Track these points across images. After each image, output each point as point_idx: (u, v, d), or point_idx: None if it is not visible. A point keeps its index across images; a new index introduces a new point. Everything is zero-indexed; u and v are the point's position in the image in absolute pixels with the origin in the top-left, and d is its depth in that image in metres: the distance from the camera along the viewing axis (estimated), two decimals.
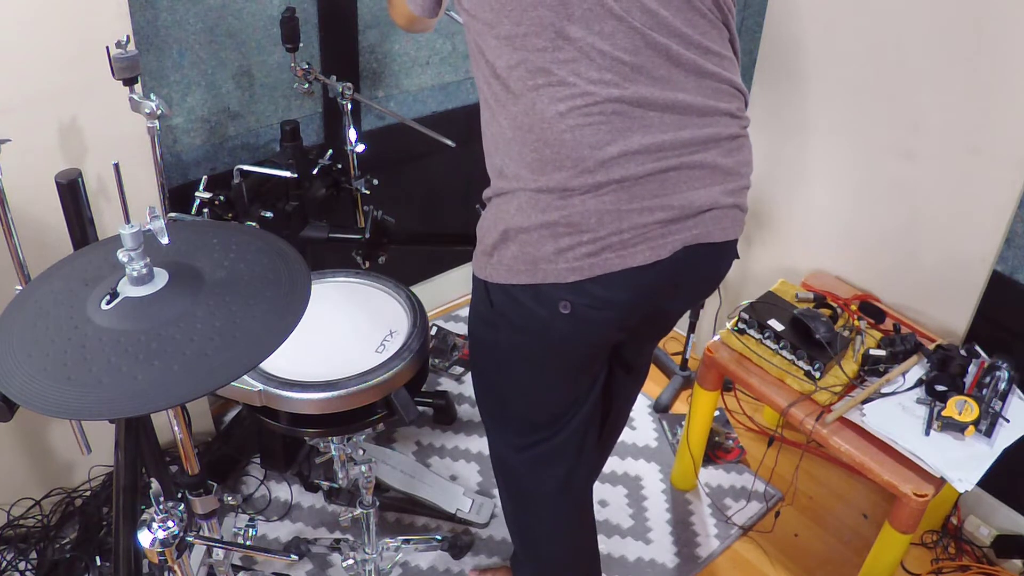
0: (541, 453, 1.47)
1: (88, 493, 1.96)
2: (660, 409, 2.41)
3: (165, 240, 0.97)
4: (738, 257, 1.32)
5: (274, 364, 1.33)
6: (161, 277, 0.96)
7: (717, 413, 2.27)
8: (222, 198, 1.70)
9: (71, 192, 1.26)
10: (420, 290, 2.24)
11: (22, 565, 1.81)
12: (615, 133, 1.12)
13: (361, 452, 1.59)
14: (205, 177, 1.71)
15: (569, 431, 1.44)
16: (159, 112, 1.46)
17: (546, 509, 1.55)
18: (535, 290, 1.21)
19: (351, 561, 1.79)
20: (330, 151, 1.98)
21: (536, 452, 1.47)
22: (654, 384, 2.50)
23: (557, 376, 1.38)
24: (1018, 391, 1.72)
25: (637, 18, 1.12)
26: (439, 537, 1.93)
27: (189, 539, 1.10)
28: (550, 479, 1.50)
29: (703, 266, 1.27)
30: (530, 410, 1.44)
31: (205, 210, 1.69)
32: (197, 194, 1.68)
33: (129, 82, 1.44)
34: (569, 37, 1.10)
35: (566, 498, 1.54)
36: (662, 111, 1.15)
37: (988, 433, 1.61)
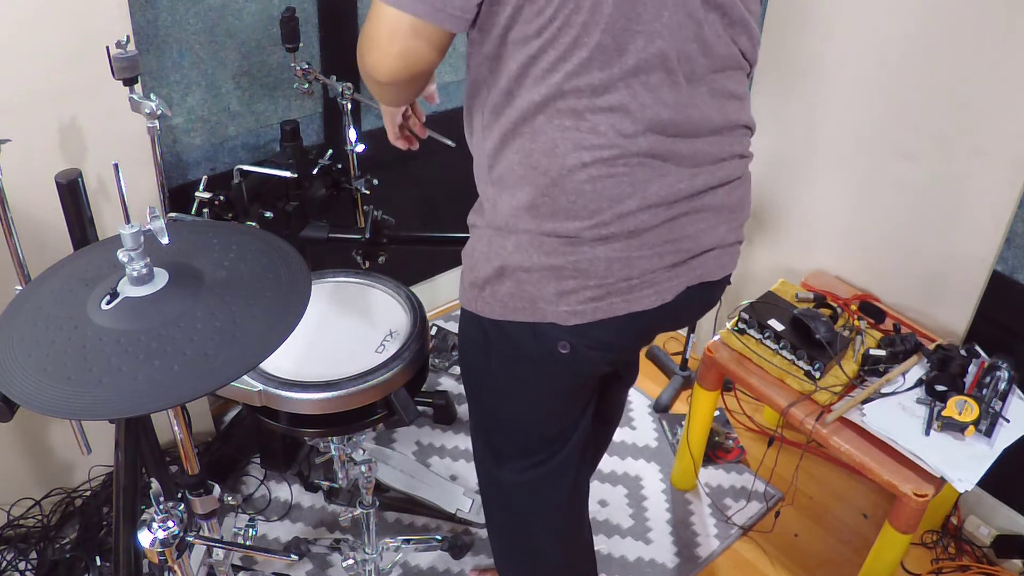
0: (539, 475, 1.43)
1: (88, 493, 1.96)
2: (660, 409, 2.41)
3: (165, 240, 0.96)
4: (729, 283, 1.31)
5: (274, 364, 1.33)
6: (161, 277, 0.96)
7: (717, 413, 2.27)
8: (222, 198, 1.70)
9: (71, 192, 1.26)
10: (420, 290, 2.24)
11: (22, 565, 1.81)
12: (635, 186, 1.08)
13: (361, 452, 1.59)
14: (205, 177, 1.71)
15: (567, 451, 1.41)
16: (159, 112, 1.46)
17: (543, 526, 1.52)
18: (532, 328, 1.17)
19: (351, 561, 1.79)
20: (330, 151, 1.98)
21: (534, 474, 1.43)
22: (654, 384, 2.50)
23: (552, 403, 1.35)
24: (1018, 391, 1.71)
25: (683, 70, 1.06)
26: (439, 537, 1.93)
27: (189, 539, 1.10)
28: (548, 500, 1.47)
29: (702, 301, 1.26)
30: (526, 434, 1.40)
31: (205, 210, 1.69)
32: (197, 194, 1.68)
33: (129, 82, 1.44)
34: (614, 85, 1.02)
35: (563, 515, 1.52)
36: (680, 162, 1.11)
37: (988, 433, 1.61)
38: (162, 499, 1.08)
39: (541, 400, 1.33)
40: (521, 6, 1.00)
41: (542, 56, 1.02)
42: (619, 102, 1.03)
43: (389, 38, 1.01)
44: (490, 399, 1.39)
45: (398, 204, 2.13)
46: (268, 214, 1.78)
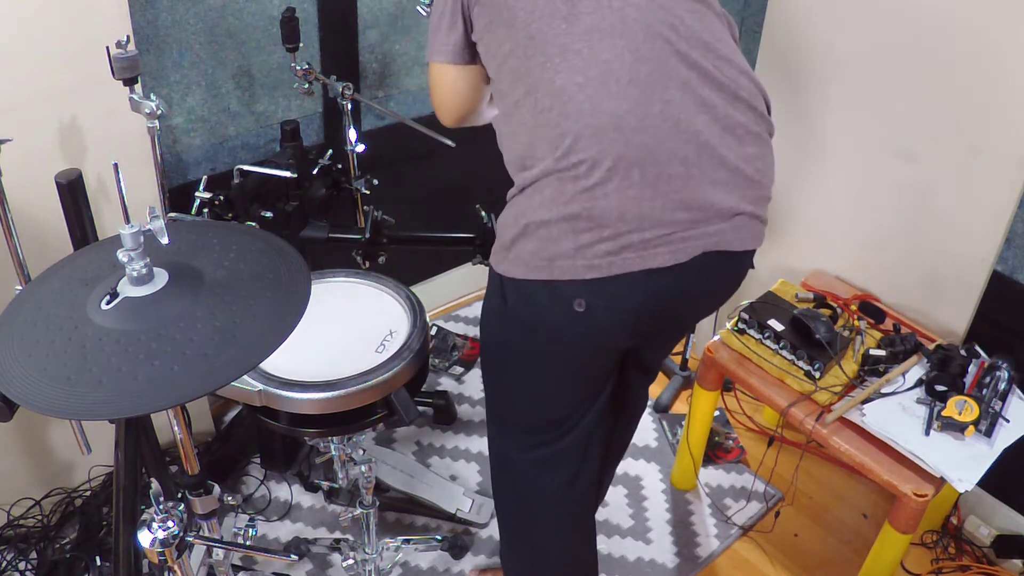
0: (545, 455, 1.46)
1: (88, 493, 1.96)
2: (660, 409, 2.41)
3: (165, 240, 0.96)
4: (753, 267, 1.32)
5: (274, 364, 1.33)
6: (161, 277, 0.96)
7: (717, 413, 2.27)
8: (222, 198, 1.70)
9: (71, 192, 1.26)
10: (420, 290, 2.23)
11: (22, 565, 1.81)
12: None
13: (361, 452, 1.59)
14: (205, 177, 1.71)
15: (574, 435, 1.43)
16: (159, 112, 1.46)
17: (547, 513, 1.54)
18: (551, 287, 1.20)
19: (351, 561, 1.79)
20: (330, 151, 1.98)
21: (540, 454, 1.46)
22: (654, 384, 2.49)
23: (565, 378, 1.37)
24: (1018, 391, 1.71)
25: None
26: (439, 537, 1.93)
27: (189, 539, 1.10)
28: (553, 483, 1.49)
29: (720, 273, 1.27)
30: (536, 411, 1.43)
31: (205, 210, 1.69)
32: (197, 194, 1.68)
33: (129, 82, 1.44)
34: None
35: (568, 503, 1.53)
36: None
37: (988, 433, 1.61)
38: (162, 499, 1.08)
39: (553, 375, 1.36)
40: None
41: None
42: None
43: (434, 89, 1.36)
44: (502, 371, 1.43)
45: (398, 204, 2.13)
46: (268, 214, 1.78)
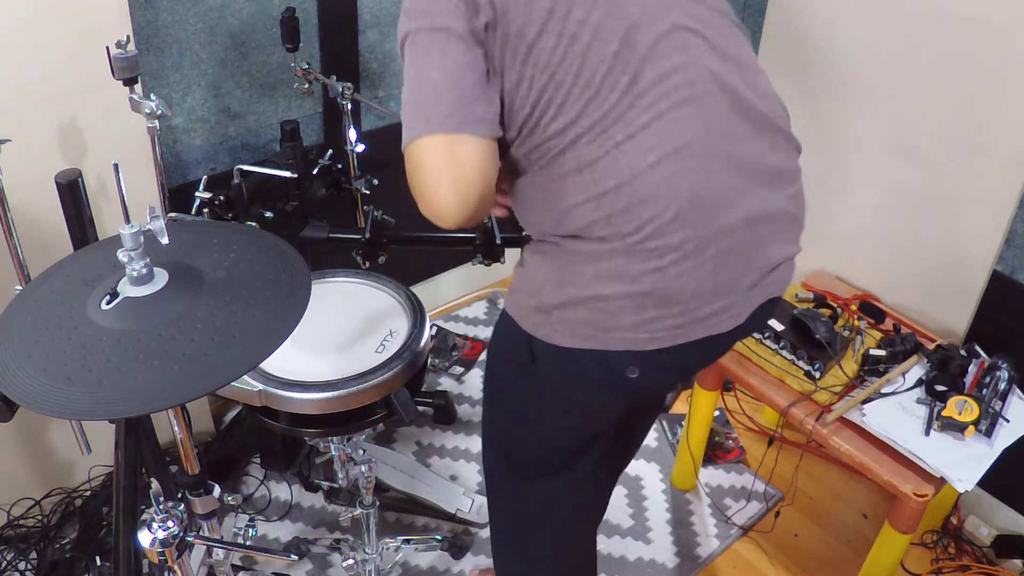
0: (551, 488, 1.39)
1: (88, 493, 1.96)
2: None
3: (165, 240, 0.96)
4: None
5: (274, 364, 1.33)
6: (161, 277, 0.96)
7: (717, 413, 2.27)
8: (222, 198, 1.70)
9: (71, 192, 1.26)
10: (420, 290, 2.24)
11: (22, 565, 1.81)
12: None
13: (361, 452, 1.59)
14: (205, 177, 1.70)
15: (583, 466, 1.36)
16: (159, 112, 1.46)
17: (549, 541, 1.48)
18: (602, 356, 1.12)
19: (351, 561, 1.79)
20: (330, 151, 1.98)
21: (545, 487, 1.39)
22: None
23: (588, 422, 1.31)
24: (1018, 391, 1.71)
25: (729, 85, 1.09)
26: (439, 537, 1.93)
27: (189, 539, 1.10)
28: (556, 513, 1.43)
29: (765, 316, 1.23)
30: (546, 447, 1.36)
31: (205, 210, 1.69)
32: (197, 194, 1.68)
33: (129, 82, 1.44)
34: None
35: (571, 533, 1.49)
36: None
37: (988, 433, 1.61)
38: (162, 499, 1.07)
39: (574, 417, 1.29)
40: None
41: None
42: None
43: (446, 175, 0.97)
44: (514, 413, 1.35)
45: (398, 204, 2.12)
46: (268, 214, 1.78)
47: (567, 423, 1.31)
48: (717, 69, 1.08)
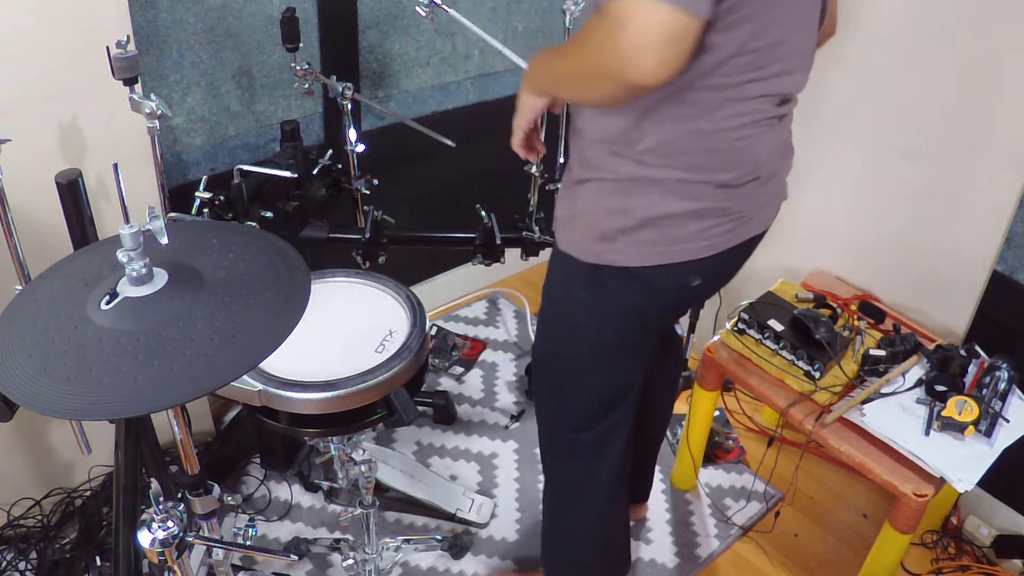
0: (607, 427, 1.51)
1: (88, 493, 1.96)
2: None
3: (165, 240, 0.96)
4: None
5: (274, 364, 1.33)
6: (161, 277, 0.96)
7: (717, 413, 2.27)
8: (222, 198, 1.70)
9: (71, 192, 1.26)
10: (420, 290, 2.24)
11: (22, 565, 1.81)
12: (770, 142, 1.23)
13: (361, 452, 1.59)
14: (205, 177, 1.70)
15: (631, 397, 1.50)
16: (159, 112, 1.46)
17: (600, 499, 1.59)
18: (669, 268, 1.24)
19: (351, 561, 1.79)
20: (330, 151, 1.98)
21: (603, 427, 1.51)
22: None
23: (645, 347, 1.45)
24: (1018, 391, 1.71)
25: (807, 29, 1.19)
26: (439, 537, 1.94)
27: (189, 539, 1.10)
28: (611, 455, 1.54)
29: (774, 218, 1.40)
30: (606, 385, 1.48)
31: (205, 210, 1.69)
32: (197, 194, 1.68)
33: (129, 82, 1.44)
34: (768, 65, 1.13)
35: (620, 478, 1.59)
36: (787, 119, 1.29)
37: (988, 433, 1.61)
38: (162, 499, 1.07)
39: (634, 349, 1.44)
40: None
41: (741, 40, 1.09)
42: (768, 76, 1.14)
43: (669, 40, 0.96)
44: (582, 356, 1.44)
45: (398, 204, 2.13)
46: (268, 214, 1.78)
47: (623, 350, 1.43)
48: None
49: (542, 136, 1.42)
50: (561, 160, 2.08)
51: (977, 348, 1.80)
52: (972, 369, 1.74)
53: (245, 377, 1.27)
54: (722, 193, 1.20)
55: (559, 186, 1.38)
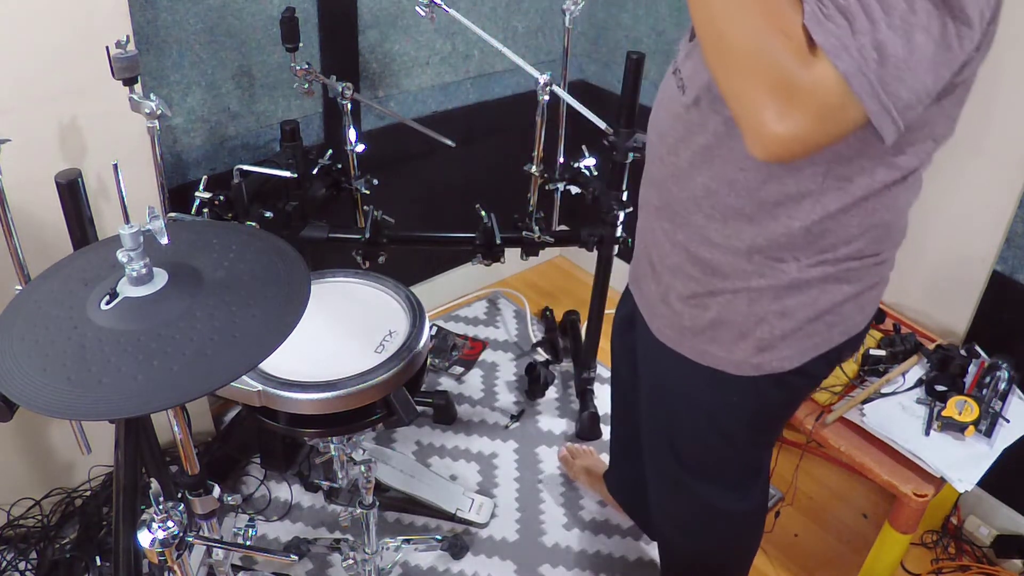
0: (761, 491, 1.50)
1: (88, 493, 1.96)
2: None
3: (165, 240, 0.96)
4: None
5: (273, 364, 1.33)
6: (161, 277, 0.96)
7: None
8: (222, 198, 1.70)
9: (71, 192, 1.26)
10: (420, 290, 2.24)
11: (22, 565, 1.81)
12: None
13: (361, 452, 1.59)
14: (205, 177, 1.71)
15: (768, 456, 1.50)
16: (159, 112, 1.46)
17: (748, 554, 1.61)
18: (829, 355, 1.19)
19: (351, 561, 1.79)
20: (330, 151, 1.98)
21: (758, 492, 1.49)
22: None
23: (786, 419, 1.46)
24: (1018, 391, 1.71)
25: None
26: (439, 537, 1.94)
27: (189, 539, 1.10)
28: (760, 521, 1.56)
29: None
30: (763, 456, 1.47)
31: (205, 210, 1.69)
32: (197, 194, 1.68)
33: (129, 82, 1.44)
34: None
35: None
36: None
37: (988, 433, 1.61)
38: (162, 499, 1.07)
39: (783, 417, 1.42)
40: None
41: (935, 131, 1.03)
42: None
43: (832, 114, 0.81)
44: (735, 449, 1.37)
45: (398, 204, 2.13)
46: (268, 214, 1.78)
47: (778, 429, 1.44)
48: None
49: None
50: (561, 160, 2.08)
51: (977, 348, 1.80)
52: (972, 369, 1.74)
53: (245, 377, 1.27)
54: (885, 266, 1.18)
55: (628, 278, 1.38)
